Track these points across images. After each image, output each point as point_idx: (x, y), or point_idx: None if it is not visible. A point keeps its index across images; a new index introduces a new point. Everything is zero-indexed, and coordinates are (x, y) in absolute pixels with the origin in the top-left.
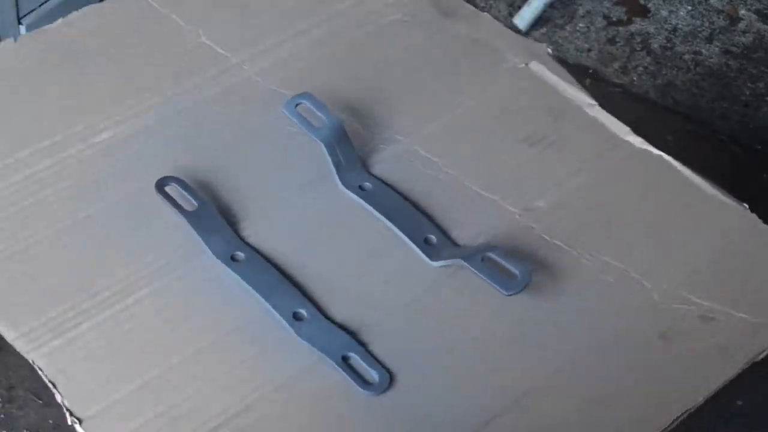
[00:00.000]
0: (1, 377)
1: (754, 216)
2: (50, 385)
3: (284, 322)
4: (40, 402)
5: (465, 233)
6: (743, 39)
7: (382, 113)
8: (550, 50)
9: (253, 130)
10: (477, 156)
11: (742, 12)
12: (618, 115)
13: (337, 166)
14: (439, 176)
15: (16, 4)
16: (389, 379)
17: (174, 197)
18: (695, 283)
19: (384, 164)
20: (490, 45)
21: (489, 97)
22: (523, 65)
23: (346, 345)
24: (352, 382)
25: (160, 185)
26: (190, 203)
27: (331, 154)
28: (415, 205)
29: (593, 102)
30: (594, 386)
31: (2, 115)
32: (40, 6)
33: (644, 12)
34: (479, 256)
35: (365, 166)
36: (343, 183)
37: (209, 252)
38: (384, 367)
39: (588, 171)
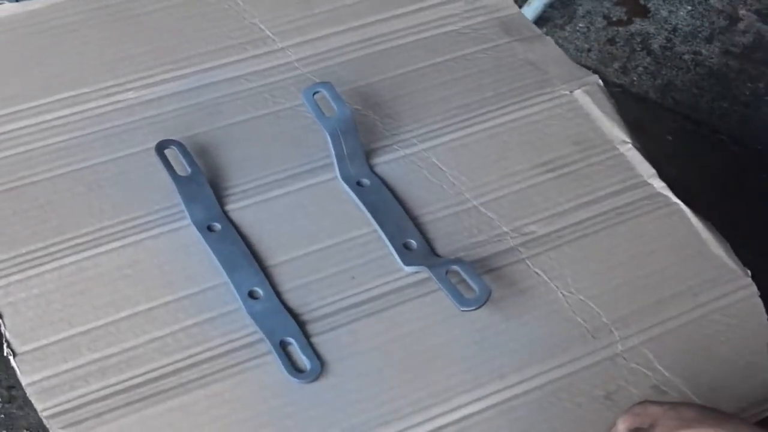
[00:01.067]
0: (1, 377)
1: (753, 287)
2: None
3: (239, 297)
4: None
5: (449, 244)
6: (743, 39)
7: (407, 116)
8: (600, 82)
9: (274, 113)
10: (488, 172)
11: (742, 12)
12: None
13: (340, 158)
14: (443, 185)
15: None
16: (320, 370)
17: (171, 160)
18: (665, 346)
19: (391, 165)
20: (542, 68)
21: (521, 117)
22: (568, 93)
23: (290, 331)
24: (283, 367)
25: (160, 147)
26: (184, 169)
27: (335, 146)
28: (407, 209)
29: (628, 140)
30: (519, 424)
31: (39, 63)
32: None
33: (644, 12)
34: (445, 268)
35: (369, 163)
36: (342, 176)
37: (190, 218)
38: (319, 358)
39: (597, 206)
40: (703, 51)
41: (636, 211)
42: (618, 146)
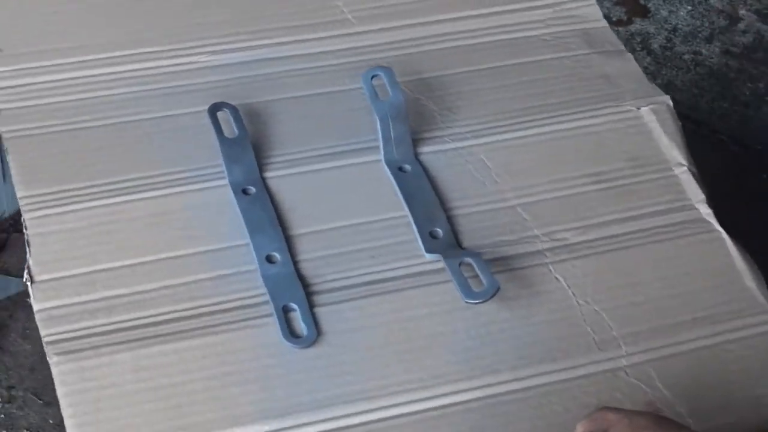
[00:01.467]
0: (1, 377)
1: None
2: (27, 244)
3: (256, 259)
4: (41, 402)
5: (476, 239)
6: (743, 39)
7: (466, 111)
8: (670, 103)
9: (335, 92)
10: (533, 176)
11: (742, 12)
12: None
13: (386, 141)
14: (484, 182)
15: None
16: (315, 338)
17: (221, 123)
18: (671, 368)
19: (438, 155)
20: (615, 83)
21: (580, 127)
22: (635, 109)
23: (296, 297)
24: (280, 330)
25: (213, 109)
26: (232, 132)
27: (382, 129)
28: (443, 200)
29: (684, 162)
30: (502, 419)
31: (127, 16)
32: None
33: (644, 12)
34: (459, 260)
35: (415, 150)
36: (386, 159)
37: (228, 179)
38: (318, 327)
39: (636, 222)
40: (703, 51)
41: (675, 233)
42: (673, 167)
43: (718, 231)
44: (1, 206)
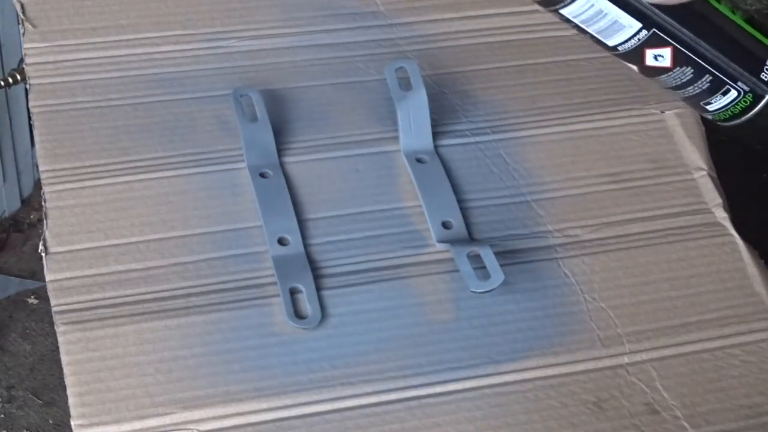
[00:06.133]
0: (1, 377)
1: None
2: (44, 216)
3: (268, 241)
4: (40, 402)
5: (488, 231)
6: None
7: (489, 107)
8: None
9: (361, 82)
10: (551, 173)
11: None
12: None
13: (405, 132)
14: (501, 176)
15: None
16: (319, 320)
17: (244, 107)
18: (672, 369)
19: (457, 148)
20: (642, 86)
21: (603, 127)
22: (659, 112)
23: (303, 279)
24: (285, 310)
25: (237, 92)
26: (254, 116)
27: (402, 120)
28: (458, 192)
29: (704, 167)
30: (497, 410)
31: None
32: None
33: None
34: (468, 250)
35: (435, 143)
36: (404, 150)
37: (246, 162)
38: (323, 310)
39: (650, 223)
40: None
41: (688, 235)
42: (692, 171)
43: (732, 235)
44: (1, 206)
